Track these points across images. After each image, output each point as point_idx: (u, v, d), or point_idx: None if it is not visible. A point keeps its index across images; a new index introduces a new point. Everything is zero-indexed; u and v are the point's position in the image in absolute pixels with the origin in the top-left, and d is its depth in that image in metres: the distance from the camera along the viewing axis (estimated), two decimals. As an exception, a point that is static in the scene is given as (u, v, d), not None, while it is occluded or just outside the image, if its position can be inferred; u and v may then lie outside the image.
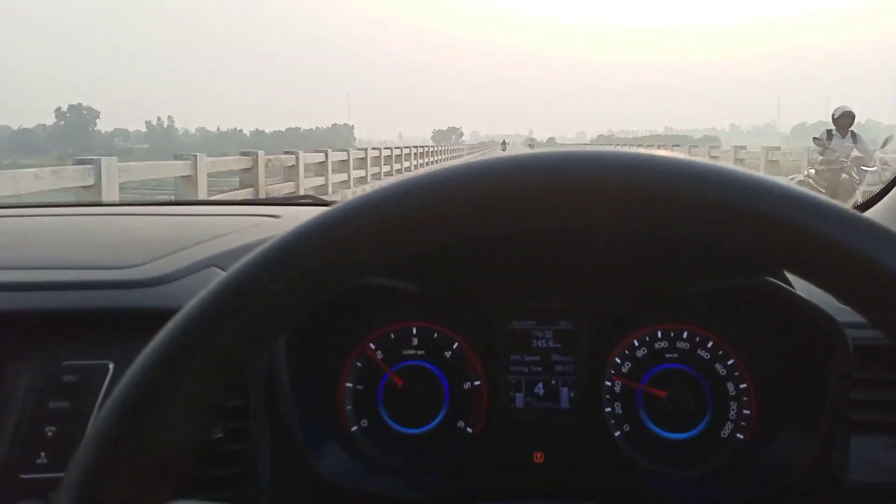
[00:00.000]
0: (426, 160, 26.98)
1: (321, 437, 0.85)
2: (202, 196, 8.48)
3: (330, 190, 13.81)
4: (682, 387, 0.89)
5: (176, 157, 8.78)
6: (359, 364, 0.91)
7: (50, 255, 0.93)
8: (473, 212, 0.36)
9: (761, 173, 0.36)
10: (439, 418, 0.90)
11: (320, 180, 13.57)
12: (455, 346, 0.91)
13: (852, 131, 9.32)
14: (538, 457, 0.89)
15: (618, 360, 0.91)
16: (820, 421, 0.78)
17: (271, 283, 0.35)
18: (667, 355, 0.90)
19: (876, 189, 1.22)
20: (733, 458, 0.87)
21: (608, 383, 0.90)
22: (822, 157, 9.26)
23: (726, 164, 0.37)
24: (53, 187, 6.29)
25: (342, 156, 15.46)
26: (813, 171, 9.43)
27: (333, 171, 14.31)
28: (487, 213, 0.36)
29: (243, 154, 10.52)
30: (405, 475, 0.87)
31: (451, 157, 32.99)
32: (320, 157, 13.83)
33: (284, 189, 11.66)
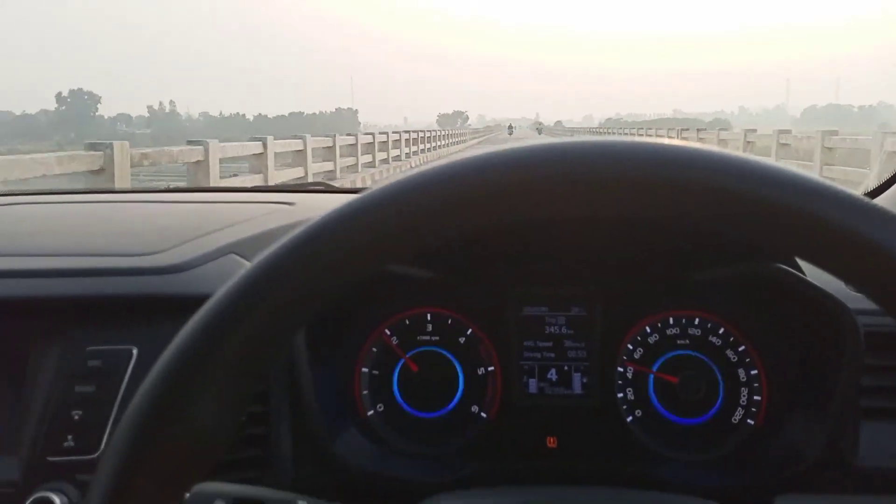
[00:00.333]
0: (433, 144, 26.76)
1: (339, 421, 0.87)
2: (214, 181, 8.51)
3: (338, 174, 13.80)
4: (694, 373, 0.90)
5: (188, 143, 8.78)
6: (374, 349, 0.92)
7: (72, 243, 0.95)
8: (499, 201, 0.36)
9: (770, 159, 0.36)
10: (454, 403, 0.92)
11: (328, 165, 13.55)
12: (469, 332, 0.93)
13: None
14: (551, 441, 0.90)
15: (630, 347, 0.92)
16: (830, 407, 0.79)
17: (299, 272, 0.36)
18: (678, 341, 0.91)
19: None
20: (744, 444, 0.88)
21: (620, 369, 0.91)
22: None
23: (735, 151, 0.37)
24: (65, 171, 6.31)
25: (350, 140, 15.40)
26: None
27: (341, 155, 14.29)
28: (511, 203, 0.36)
29: (254, 139, 10.53)
30: (420, 459, 0.89)
31: (458, 143, 32.63)
32: (328, 141, 13.79)
33: (293, 174, 11.65)
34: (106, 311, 0.82)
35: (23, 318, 0.82)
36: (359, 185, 13.56)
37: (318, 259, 0.36)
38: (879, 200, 1.17)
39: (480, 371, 0.92)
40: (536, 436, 0.90)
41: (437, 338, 0.93)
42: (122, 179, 6.75)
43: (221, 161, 9.08)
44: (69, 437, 0.75)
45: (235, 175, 10.11)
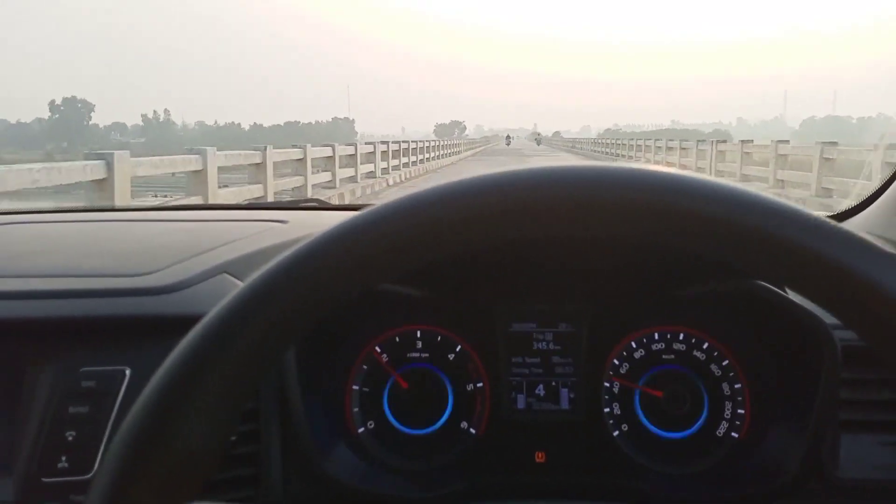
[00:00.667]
0: (430, 154, 26.56)
1: (329, 439, 0.88)
2: (213, 191, 8.50)
3: (338, 185, 13.79)
4: (679, 387, 0.92)
5: (187, 151, 8.79)
6: (365, 367, 0.93)
7: (66, 264, 0.96)
8: (489, 223, 0.38)
9: (740, 185, 0.38)
10: (443, 419, 0.93)
11: (327, 175, 13.55)
12: (458, 349, 0.94)
13: None
14: (539, 456, 0.91)
15: (616, 362, 0.93)
16: (810, 420, 0.80)
17: (288, 294, 0.37)
18: (664, 356, 0.93)
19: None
20: (728, 456, 0.89)
21: (607, 384, 0.93)
22: None
23: (713, 178, 0.38)
24: (65, 182, 6.31)
25: (350, 150, 15.41)
26: None
27: (341, 165, 14.29)
28: (501, 224, 0.38)
29: (253, 149, 10.54)
30: (411, 475, 0.90)
31: (452, 154, 31.95)
32: (328, 151, 13.78)
33: (292, 184, 11.65)
34: (99, 332, 0.82)
35: (17, 339, 0.83)
36: (358, 194, 13.57)
37: (307, 281, 0.37)
38: (854, 221, 1.18)
39: (469, 387, 0.94)
40: (525, 451, 0.91)
41: (427, 355, 0.94)
42: (121, 189, 6.75)
43: (220, 170, 9.08)
44: (63, 457, 0.75)
45: (226, 186, 10.06)
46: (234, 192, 9.80)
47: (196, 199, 7.83)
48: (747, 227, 0.36)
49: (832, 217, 0.37)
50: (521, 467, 0.91)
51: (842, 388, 0.81)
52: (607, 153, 39.44)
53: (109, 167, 6.67)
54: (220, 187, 9.04)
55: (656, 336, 0.93)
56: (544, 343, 0.94)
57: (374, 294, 0.87)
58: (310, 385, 0.85)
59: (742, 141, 17.02)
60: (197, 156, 8.52)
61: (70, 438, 0.76)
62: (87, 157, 6.92)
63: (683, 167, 11.48)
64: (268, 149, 10.44)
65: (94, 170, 6.60)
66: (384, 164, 17.99)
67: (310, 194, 11.39)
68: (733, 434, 0.90)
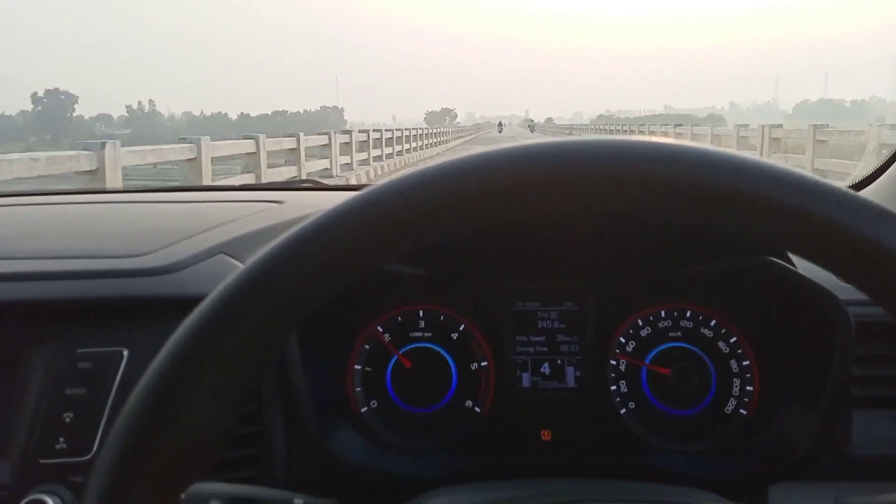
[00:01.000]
0: (424, 142, 26.60)
1: (332, 418, 0.87)
2: (207, 180, 8.46)
3: (335, 173, 13.76)
4: (686, 364, 0.91)
5: (180, 141, 8.73)
6: (367, 346, 0.92)
7: (61, 245, 0.94)
8: (494, 201, 0.36)
9: (757, 155, 0.37)
10: (447, 398, 0.92)
11: (324, 163, 13.51)
12: (462, 328, 0.93)
13: None
14: (545, 435, 0.90)
15: (622, 340, 0.92)
16: (822, 396, 0.79)
17: (295, 271, 0.36)
18: (670, 334, 0.92)
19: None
20: (737, 434, 0.89)
21: (613, 362, 0.92)
22: None
23: (724, 148, 0.37)
24: (55, 172, 6.26)
25: (345, 138, 15.41)
26: None
27: (337, 153, 14.27)
28: (507, 203, 0.36)
29: (246, 137, 10.48)
30: (415, 454, 0.89)
31: (442, 142, 31.37)
32: (323, 139, 13.75)
33: (286, 173, 11.61)
34: (96, 314, 0.81)
35: (12, 321, 0.81)
36: (353, 182, 13.56)
37: (314, 259, 0.36)
38: (865, 193, 1.17)
39: (473, 366, 0.93)
40: (530, 430, 0.91)
41: (430, 334, 0.93)
42: (113, 179, 6.71)
43: (216, 161, 9.04)
44: (61, 439, 0.75)
45: (225, 176, 10.00)
46: (229, 183, 9.73)
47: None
48: (763, 198, 0.35)
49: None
50: (527, 446, 0.90)
51: (854, 364, 0.80)
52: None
53: (100, 157, 6.62)
54: (214, 177, 8.99)
55: (663, 314, 0.92)
56: (549, 322, 0.93)
57: (375, 273, 0.86)
58: (312, 364, 0.84)
59: (737, 125, 17.05)
60: (191, 145, 8.47)
61: (67, 420, 0.75)
62: (75, 147, 6.85)
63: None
64: (261, 138, 10.41)
65: (85, 160, 6.54)
66: (377, 152, 18.02)
67: (304, 183, 11.33)
68: (742, 411, 0.90)
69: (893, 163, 1.16)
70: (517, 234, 0.89)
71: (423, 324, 0.93)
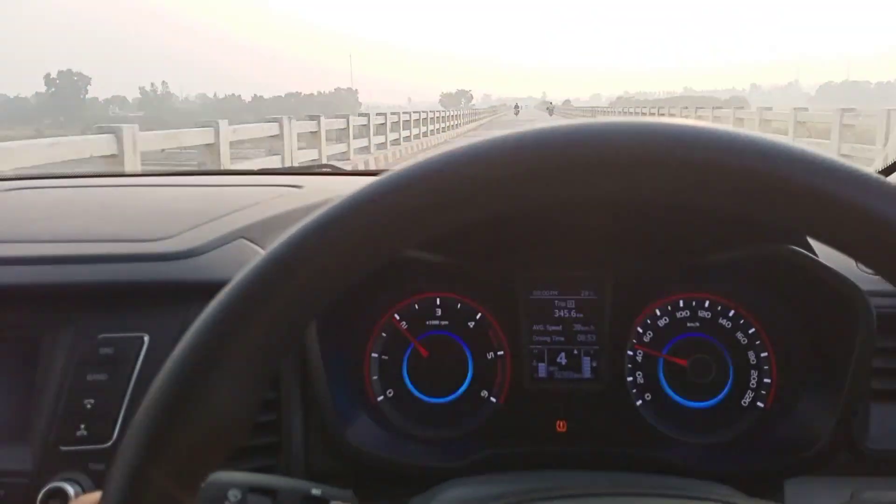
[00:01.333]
0: (440, 125, 26.29)
1: (349, 407, 0.87)
2: (225, 164, 8.44)
3: (351, 156, 13.78)
4: (704, 355, 0.90)
5: (197, 125, 8.70)
6: (384, 335, 0.92)
7: (80, 228, 0.95)
8: (518, 183, 0.36)
9: (783, 138, 0.36)
10: (463, 388, 0.92)
11: (341, 147, 13.54)
12: (478, 317, 0.93)
13: None
14: (560, 425, 0.90)
15: (639, 330, 0.91)
16: (841, 389, 0.78)
17: (318, 257, 0.36)
18: (688, 324, 0.91)
19: None
20: (754, 427, 0.88)
21: (630, 352, 0.91)
22: None
23: (747, 130, 0.36)
24: (76, 157, 6.26)
25: (363, 121, 15.47)
26: None
27: (354, 136, 14.28)
28: (531, 186, 0.36)
29: (270, 120, 10.46)
30: (430, 444, 0.89)
31: (453, 126, 30.34)
32: (342, 122, 13.80)
33: (308, 156, 11.62)
34: (116, 298, 0.81)
35: (33, 305, 0.82)
36: (371, 166, 13.59)
37: (342, 242, 0.36)
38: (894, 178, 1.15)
39: (490, 355, 0.92)
40: (546, 420, 0.90)
41: (447, 322, 0.93)
42: (132, 164, 6.71)
43: (235, 146, 9.00)
44: (82, 425, 0.75)
45: (246, 158, 9.96)
46: (251, 166, 9.71)
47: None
48: (802, 184, 0.34)
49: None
50: (542, 437, 0.90)
51: (875, 357, 0.80)
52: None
53: (119, 141, 6.61)
54: (232, 161, 8.96)
55: (681, 303, 0.91)
56: (566, 311, 0.92)
57: (393, 261, 0.86)
58: (330, 353, 0.84)
59: (760, 108, 16.82)
60: (211, 129, 8.39)
61: (88, 406, 0.75)
62: (88, 132, 6.81)
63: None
64: (290, 121, 10.37)
65: (105, 144, 6.54)
66: (395, 136, 17.99)
67: (325, 166, 11.35)
68: (759, 404, 0.89)
69: None
70: (535, 221, 0.88)
71: (439, 312, 0.93)
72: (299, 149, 11.47)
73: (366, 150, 15.13)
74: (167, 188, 1.25)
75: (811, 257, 0.81)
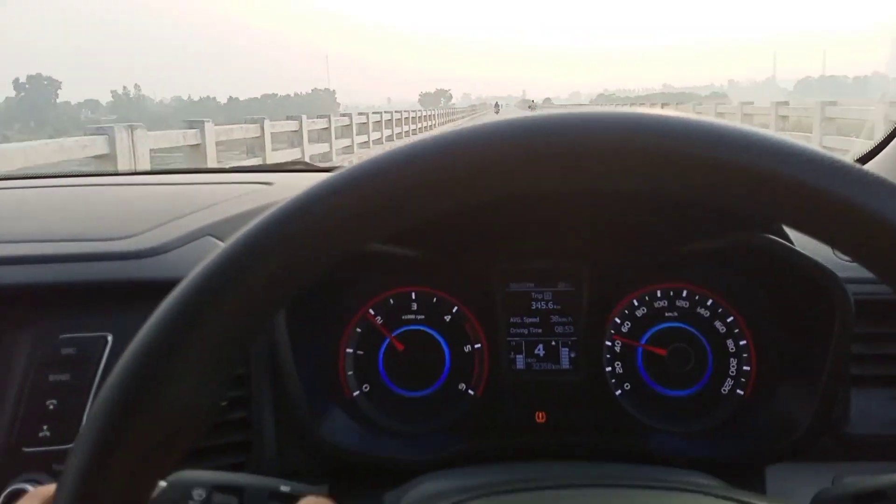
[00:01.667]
0: (421, 124, 26.49)
1: (323, 403, 0.86)
2: (211, 165, 8.40)
3: (334, 157, 13.77)
4: (683, 345, 0.90)
5: (185, 125, 8.69)
6: (359, 330, 0.91)
7: (42, 228, 0.93)
8: (484, 175, 0.35)
9: (760, 129, 0.35)
10: (440, 381, 0.91)
11: (324, 147, 13.55)
12: (455, 310, 0.92)
13: None
14: (540, 417, 0.89)
15: (617, 320, 0.91)
16: (820, 376, 0.78)
17: (281, 247, 0.35)
18: (666, 314, 0.90)
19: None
20: (734, 414, 0.88)
21: (608, 343, 0.91)
22: None
23: (728, 121, 0.36)
24: (66, 159, 6.17)
25: (345, 121, 15.62)
26: None
27: (336, 136, 14.31)
28: (497, 177, 0.35)
29: (250, 121, 10.49)
30: (408, 438, 0.88)
31: (446, 123, 30.66)
32: (323, 122, 13.89)
33: (290, 156, 11.60)
34: (79, 298, 0.80)
35: None
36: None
37: (300, 235, 0.35)
38: (870, 166, 1.15)
39: (467, 349, 0.92)
40: (525, 412, 0.90)
41: (423, 316, 0.92)
42: (124, 164, 6.64)
43: (220, 146, 8.98)
44: (44, 426, 0.73)
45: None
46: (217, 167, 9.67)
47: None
48: (779, 173, 0.33)
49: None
50: (521, 428, 0.89)
51: (853, 343, 0.79)
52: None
53: (111, 142, 6.55)
54: (219, 163, 8.92)
55: (659, 293, 0.91)
56: (543, 303, 0.92)
57: (366, 255, 0.85)
58: (302, 348, 0.83)
59: (741, 102, 16.95)
60: (195, 130, 8.42)
61: (51, 407, 0.74)
62: (56, 135, 6.76)
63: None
64: (265, 121, 10.43)
65: (96, 145, 6.47)
66: (377, 135, 18.08)
67: (307, 166, 11.37)
68: (739, 391, 0.89)
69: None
70: (511, 214, 0.87)
71: (415, 306, 0.92)
72: (281, 149, 11.46)
73: (349, 149, 15.14)
74: (135, 187, 1.23)
75: (788, 245, 0.81)
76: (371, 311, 0.92)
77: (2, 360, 0.77)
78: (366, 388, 0.91)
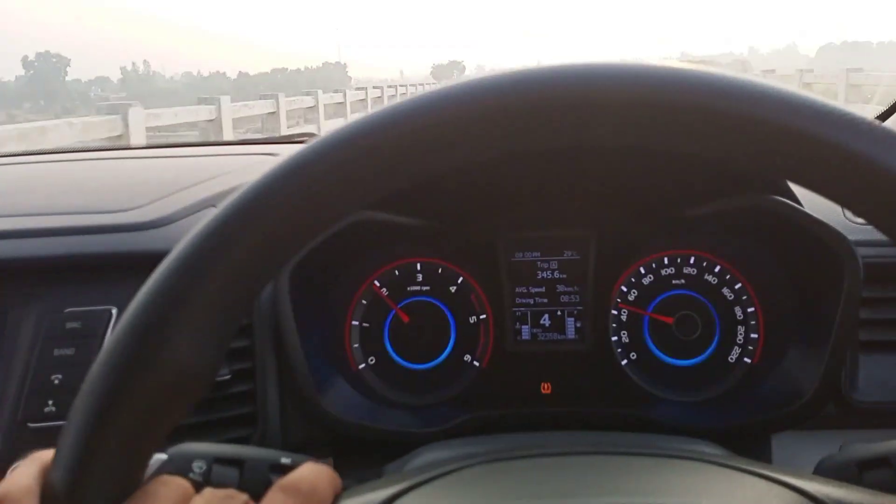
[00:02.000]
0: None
1: (329, 376, 0.86)
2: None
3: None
4: (690, 313, 0.89)
5: (200, 101, 8.70)
6: (364, 301, 0.91)
7: (46, 201, 0.92)
8: (472, 132, 0.34)
9: (776, 83, 0.34)
10: (446, 353, 0.91)
11: (340, 122, 13.52)
12: (460, 281, 0.91)
13: None
14: (545, 387, 0.89)
15: (624, 289, 0.90)
16: (828, 342, 0.76)
17: (278, 208, 0.34)
18: (674, 281, 0.89)
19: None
20: (741, 383, 0.87)
21: (614, 312, 0.90)
22: None
23: (746, 75, 0.35)
24: (82, 139, 6.17)
25: (360, 95, 15.72)
26: None
27: (351, 111, 14.32)
28: (488, 133, 0.34)
29: (264, 97, 10.50)
30: (413, 410, 0.88)
31: None
32: (339, 97, 13.96)
33: (306, 132, 11.55)
34: (83, 271, 0.79)
35: None
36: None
37: (297, 196, 0.35)
38: (891, 122, 1.12)
39: (472, 319, 0.91)
40: (530, 382, 0.89)
41: (428, 287, 0.92)
42: (137, 142, 6.65)
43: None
44: (49, 402, 0.73)
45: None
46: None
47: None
48: (794, 127, 0.32)
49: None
50: (527, 399, 0.89)
51: (861, 308, 0.78)
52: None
53: (125, 121, 6.54)
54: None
55: (666, 260, 0.90)
56: (549, 272, 0.91)
57: (371, 226, 0.85)
58: (307, 321, 0.82)
59: (764, 70, 16.69)
60: (211, 106, 8.43)
61: (56, 382, 0.73)
62: (99, 112, 6.79)
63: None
64: (280, 97, 10.44)
65: (112, 125, 6.46)
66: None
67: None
68: (746, 359, 0.88)
69: None
70: (515, 182, 0.86)
71: (420, 277, 0.92)
72: (296, 126, 11.44)
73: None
74: (141, 160, 1.22)
75: (796, 207, 0.79)
76: (376, 283, 0.91)
77: (7, 335, 0.77)
78: (371, 360, 0.91)
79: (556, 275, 0.91)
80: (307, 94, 12.27)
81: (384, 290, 0.91)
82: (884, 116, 1.17)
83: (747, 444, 0.81)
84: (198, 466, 0.54)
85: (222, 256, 0.34)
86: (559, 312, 0.90)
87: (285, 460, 0.58)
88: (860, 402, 0.81)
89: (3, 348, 0.76)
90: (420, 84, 24.42)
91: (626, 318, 0.90)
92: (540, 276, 0.91)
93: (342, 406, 0.84)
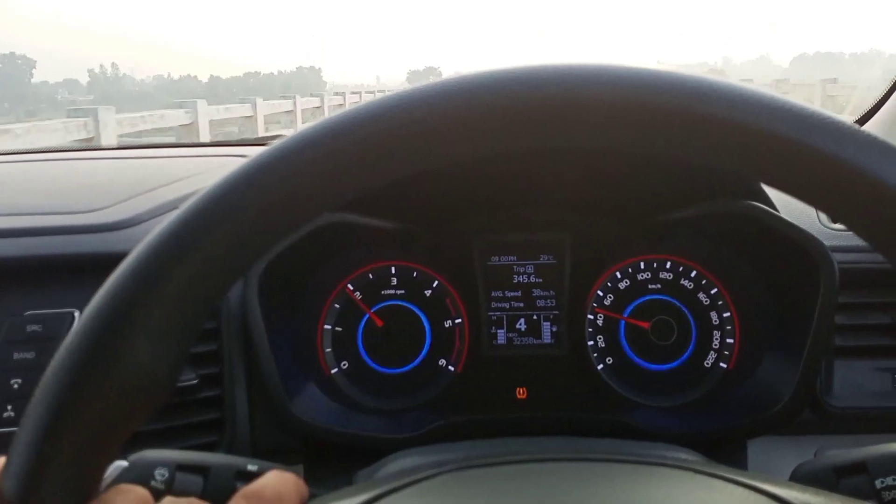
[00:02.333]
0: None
1: (300, 381, 0.84)
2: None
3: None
4: (666, 317, 0.88)
5: (174, 105, 8.63)
6: (337, 305, 0.90)
7: (9, 202, 0.90)
8: (443, 133, 0.33)
9: (750, 85, 0.34)
10: (420, 357, 0.90)
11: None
12: (435, 285, 0.90)
13: None
14: (521, 392, 0.88)
15: (600, 293, 0.89)
16: (804, 347, 0.76)
17: (238, 211, 0.33)
18: (650, 286, 0.89)
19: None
20: (717, 388, 0.87)
21: (591, 316, 0.89)
22: None
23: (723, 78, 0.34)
24: (49, 143, 6.09)
25: (339, 100, 15.79)
26: None
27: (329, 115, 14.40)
28: (459, 134, 0.34)
29: (242, 101, 10.47)
30: (387, 415, 0.87)
31: None
32: (316, 101, 14.01)
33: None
34: (44, 273, 0.77)
35: None
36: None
37: (258, 200, 0.33)
38: (868, 126, 1.13)
39: (447, 324, 0.90)
40: (506, 387, 0.88)
41: (403, 291, 0.90)
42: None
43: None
44: (8, 407, 0.71)
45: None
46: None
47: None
48: (772, 131, 0.32)
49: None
50: (502, 404, 0.88)
51: (837, 313, 0.78)
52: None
53: (96, 124, 6.47)
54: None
55: (642, 265, 0.90)
56: (525, 276, 0.90)
57: (345, 229, 0.83)
58: (278, 324, 0.81)
59: (741, 80, 16.96)
60: (187, 110, 8.36)
61: (15, 386, 0.72)
62: (69, 115, 6.71)
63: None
64: (257, 101, 10.42)
65: (82, 129, 6.38)
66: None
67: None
68: (722, 364, 0.87)
69: (893, 93, 1.12)
70: (492, 185, 0.85)
71: (395, 281, 0.90)
72: (273, 130, 11.39)
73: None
74: (110, 161, 1.20)
75: (772, 213, 0.79)
76: (350, 286, 0.90)
77: None
78: (344, 365, 0.89)
79: (532, 279, 0.90)
80: (284, 98, 12.24)
81: (357, 293, 0.90)
82: (861, 122, 1.17)
83: (723, 449, 0.80)
84: (160, 474, 0.52)
85: (180, 260, 0.33)
86: (535, 317, 0.90)
87: (252, 467, 0.56)
88: (836, 407, 0.81)
89: None
90: (394, 90, 24.56)
91: (603, 323, 0.89)
92: (516, 281, 0.90)
93: (313, 411, 0.82)
